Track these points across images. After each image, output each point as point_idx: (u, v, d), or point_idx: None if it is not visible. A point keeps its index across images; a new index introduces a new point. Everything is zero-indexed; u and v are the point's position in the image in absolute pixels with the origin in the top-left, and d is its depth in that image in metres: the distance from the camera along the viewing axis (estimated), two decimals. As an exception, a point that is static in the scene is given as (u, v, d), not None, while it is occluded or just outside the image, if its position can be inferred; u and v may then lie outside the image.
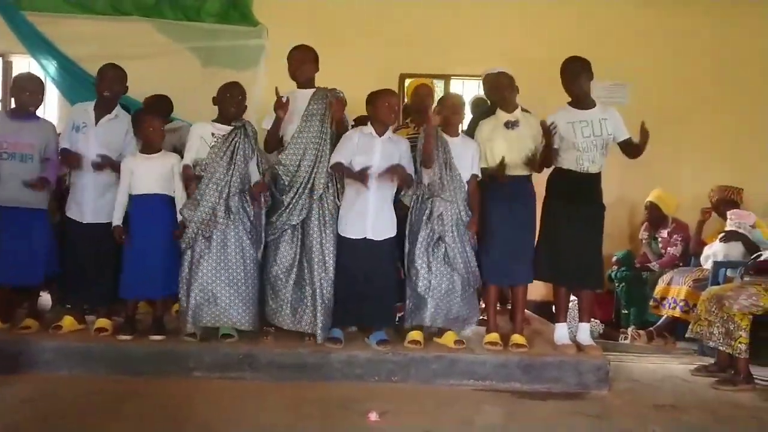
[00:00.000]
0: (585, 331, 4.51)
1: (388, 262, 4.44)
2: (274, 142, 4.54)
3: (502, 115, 4.51)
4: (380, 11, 6.78)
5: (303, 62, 4.52)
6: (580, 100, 4.41)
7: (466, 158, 4.46)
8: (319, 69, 4.60)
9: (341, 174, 4.35)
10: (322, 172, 4.38)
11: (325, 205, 4.40)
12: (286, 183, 4.43)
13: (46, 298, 5.17)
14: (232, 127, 4.41)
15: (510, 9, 6.83)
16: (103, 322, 4.40)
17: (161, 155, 4.45)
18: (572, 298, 4.76)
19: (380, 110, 4.37)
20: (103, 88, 4.50)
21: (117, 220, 4.37)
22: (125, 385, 3.98)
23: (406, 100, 5.61)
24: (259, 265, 4.43)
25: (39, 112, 4.66)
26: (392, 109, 4.41)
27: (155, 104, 5.39)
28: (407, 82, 6.86)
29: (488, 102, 5.05)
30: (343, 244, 4.39)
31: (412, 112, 5.08)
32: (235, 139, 4.38)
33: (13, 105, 4.67)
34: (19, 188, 4.35)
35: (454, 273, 4.36)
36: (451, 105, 4.51)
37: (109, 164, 4.41)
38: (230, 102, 4.43)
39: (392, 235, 4.41)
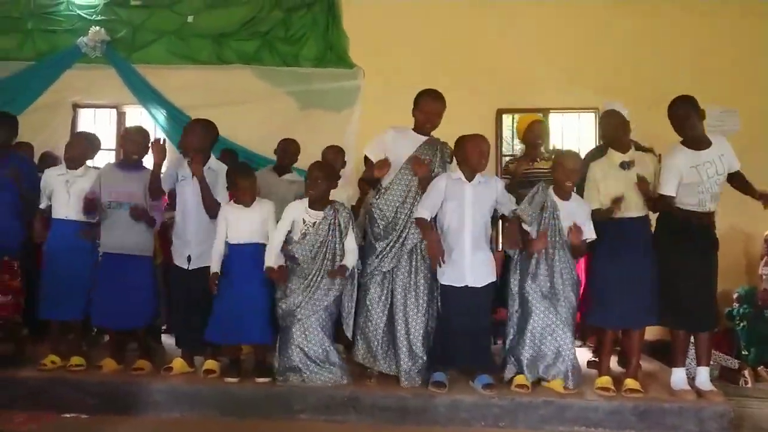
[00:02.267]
0: (704, 375, 4.23)
1: (488, 307, 4.36)
2: (372, 182, 4.55)
3: (615, 156, 4.33)
4: (475, 47, 6.73)
5: (437, 115, 4.44)
6: (696, 140, 4.18)
7: (579, 220, 4.27)
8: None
9: (421, 230, 4.29)
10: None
11: (419, 251, 4.34)
12: (381, 228, 4.39)
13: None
14: (323, 216, 4.36)
15: (608, 41, 6.64)
16: (211, 363, 4.49)
17: (256, 204, 4.45)
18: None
19: (472, 156, 4.27)
20: (180, 145, 4.66)
21: (215, 268, 4.40)
22: (233, 428, 4.03)
23: (517, 134, 5.52)
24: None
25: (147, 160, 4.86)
26: (484, 156, 4.30)
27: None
28: (508, 117, 6.83)
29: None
30: (444, 291, 4.31)
31: (526, 147, 5.05)
32: (326, 231, 4.34)
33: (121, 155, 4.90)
34: (125, 236, 4.55)
35: (564, 327, 4.21)
36: (564, 169, 4.27)
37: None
38: (320, 185, 4.34)
39: (492, 281, 4.32)
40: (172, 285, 4.61)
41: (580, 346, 5.48)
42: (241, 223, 4.41)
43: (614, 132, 4.36)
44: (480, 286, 4.26)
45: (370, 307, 4.37)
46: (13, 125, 4.88)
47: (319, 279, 4.30)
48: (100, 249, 4.66)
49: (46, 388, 4.33)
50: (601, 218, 4.28)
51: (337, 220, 4.37)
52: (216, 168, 4.60)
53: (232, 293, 4.35)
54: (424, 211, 4.28)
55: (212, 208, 4.46)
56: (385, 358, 4.34)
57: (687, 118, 4.15)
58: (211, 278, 4.38)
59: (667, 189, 4.16)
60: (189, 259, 4.51)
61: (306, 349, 4.26)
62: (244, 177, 4.40)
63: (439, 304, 4.33)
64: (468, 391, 4.20)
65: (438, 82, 6.45)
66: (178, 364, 4.53)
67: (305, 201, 4.43)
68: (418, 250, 4.35)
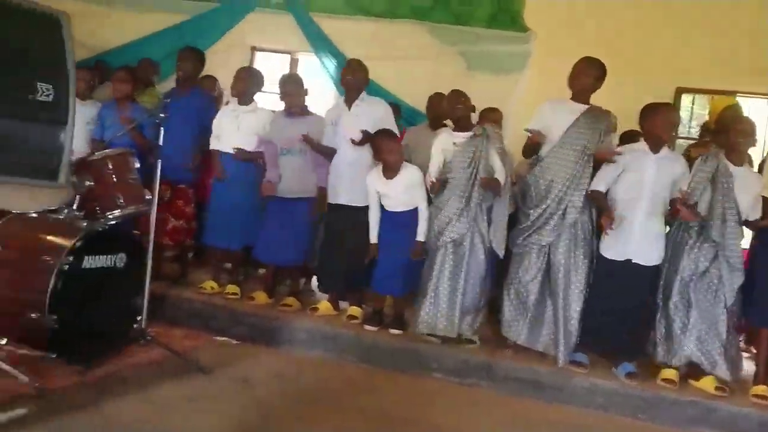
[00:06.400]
0: None
1: (648, 291, 4.13)
2: (530, 152, 4.41)
3: None
4: (654, 19, 6.30)
5: (581, 73, 4.27)
6: None
7: (748, 193, 3.99)
8: (602, 85, 4.31)
9: (596, 203, 4.15)
10: (577, 197, 4.16)
11: (579, 225, 4.20)
12: (534, 198, 4.28)
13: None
14: (471, 134, 4.36)
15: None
16: (354, 310, 4.63)
17: (402, 172, 4.44)
18: None
19: (659, 126, 4.04)
20: (344, 81, 4.75)
21: (373, 238, 4.51)
22: (368, 376, 4.13)
23: (709, 116, 5.17)
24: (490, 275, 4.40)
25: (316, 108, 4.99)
26: (672, 126, 4.09)
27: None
28: (688, 97, 6.41)
29: None
30: (602, 264, 4.17)
31: (713, 132, 4.72)
32: (477, 147, 4.32)
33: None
34: (293, 180, 4.73)
35: (717, 310, 3.94)
36: (740, 130, 4.02)
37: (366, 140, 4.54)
38: (463, 110, 4.43)
39: (658, 263, 4.10)
40: (326, 226, 4.78)
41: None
42: (393, 196, 4.46)
43: None
44: (644, 264, 4.06)
45: (522, 279, 4.28)
46: (200, 60, 5.16)
47: (471, 192, 4.28)
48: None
49: (203, 310, 4.65)
50: None
51: (485, 140, 4.33)
52: (370, 100, 4.71)
53: (390, 250, 4.46)
54: (600, 183, 4.14)
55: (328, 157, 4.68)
56: (531, 332, 4.25)
57: None
58: (371, 248, 4.49)
59: None
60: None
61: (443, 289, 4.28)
62: (388, 140, 4.42)
63: (594, 279, 4.19)
64: (609, 377, 4.07)
65: (614, 54, 6.14)
66: (324, 306, 4.72)
67: (449, 129, 4.52)
68: (579, 225, 4.20)
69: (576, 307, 4.14)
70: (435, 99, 5.42)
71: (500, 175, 4.30)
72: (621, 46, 6.25)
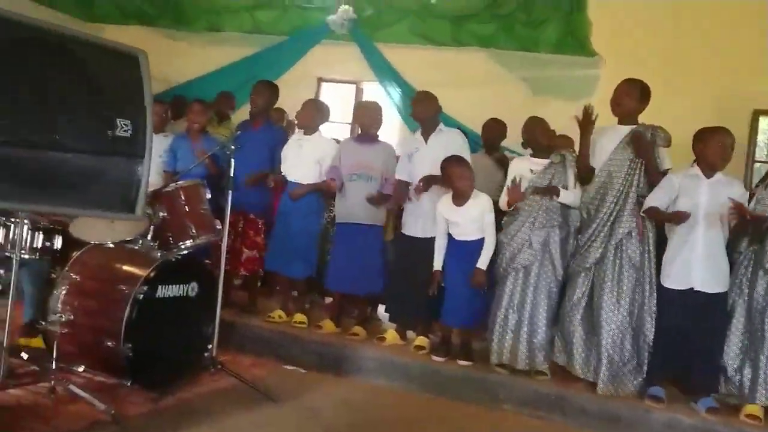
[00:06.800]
0: None
1: (720, 319, 3.96)
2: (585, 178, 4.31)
3: None
4: (729, 40, 6.11)
5: (623, 95, 4.19)
6: None
7: None
8: (647, 105, 4.23)
9: (654, 218, 4.01)
10: (625, 212, 4.06)
11: (626, 248, 4.07)
12: (585, 221, 4.21)
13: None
14: (549, 161, 4.32)
15: None
16: (421, 340, 4.59)
17: (472, 200, 4.39)
18: None
19: (711, 151, 3.92)
20: (413, 114, 4.78)
21: (437, 265, 4.46)
22: (436, 406, 4.08)
23: None
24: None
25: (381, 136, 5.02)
26: (725, 151, 3.92)
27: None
28: (766, 119, 6.18)
29: None
30: (663, 294, 4.03)
31: None
32: (553, 174, 4.28)
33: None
34: (361, 206, 4.74)
35: None
36: None
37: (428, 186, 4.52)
38: (542, 135, 4.40)
39: (724, 290, 3.94)
40: (397, 256, 4.76)
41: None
42: (461, 224, 4.41)
43: None
44: (709, 291, 3.90)
45: (567, 303, 4.21)
46: (274, 93, 5.27)
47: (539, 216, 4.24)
48: (334, 217, 4.94)
49: (271, 339, 4.69)
50: None
51: (563, 166, 4.29)
52: (447, 131, 4.72)
53: (456, 282, 4.40)
54: (653, 201, 4.01)
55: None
56: (583, 361, 4.13)
57: None
58: (433, 275, 4.44)
59: None
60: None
61: (519, 312, 4.23)
62: (457, 166, 4.38)
63: (657, 309, 4.05)
64: (688, 412, 3.88)
65: (688, 76, 6.06)
66: (391, 335, 4.69)
67: (526, 156, 4.50)
68: (627, 248, 4.07)
69: (615, 332, 4.01)
70: (489, 124, 5.41)
71: (571, 196, 4.25)
72: (694, 68, 6.12)
